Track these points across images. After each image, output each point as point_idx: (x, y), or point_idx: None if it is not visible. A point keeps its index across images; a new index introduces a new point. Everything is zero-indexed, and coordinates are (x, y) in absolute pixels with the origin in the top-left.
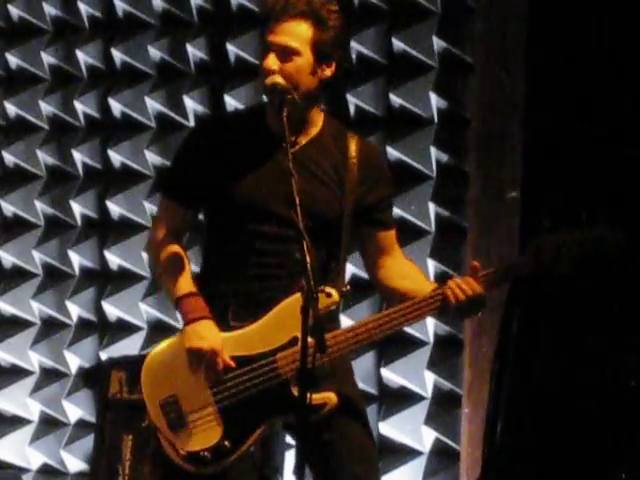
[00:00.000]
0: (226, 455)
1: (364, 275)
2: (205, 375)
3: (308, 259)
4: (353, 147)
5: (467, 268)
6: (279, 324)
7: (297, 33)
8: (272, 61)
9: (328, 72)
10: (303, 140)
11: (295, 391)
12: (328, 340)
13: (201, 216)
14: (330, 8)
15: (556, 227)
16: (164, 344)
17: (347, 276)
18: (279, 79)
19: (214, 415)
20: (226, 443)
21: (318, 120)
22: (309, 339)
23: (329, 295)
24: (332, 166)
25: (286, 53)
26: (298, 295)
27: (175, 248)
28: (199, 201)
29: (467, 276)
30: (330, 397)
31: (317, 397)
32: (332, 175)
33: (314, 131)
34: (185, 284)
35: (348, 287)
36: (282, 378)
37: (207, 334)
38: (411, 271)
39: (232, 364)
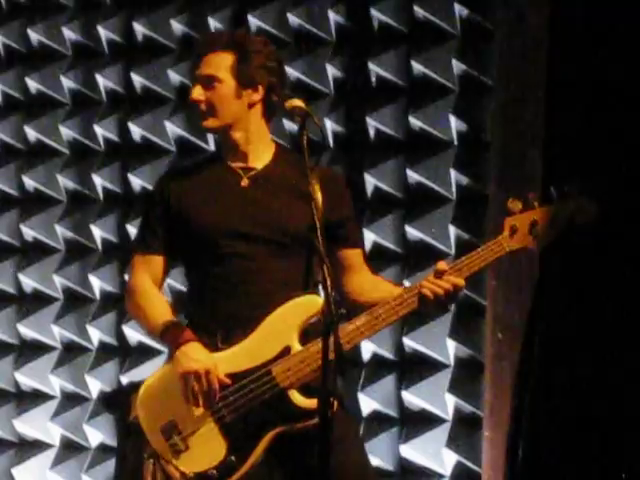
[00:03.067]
0: (234, 470)
1: None
2: (200, 396)
3: (329, 283)
4: (312, 173)
5: (486, 289)
6: (269, 337)
7: (217, 62)
8: (196, 92)
9: (256, 97)
10: (258, 165)
11: (293, 398)
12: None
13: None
14: (253, 39)
15: (528, 205)
16: (156, 373)
17: None
18: (299, 102)
19: (216, 433)
20: (232, 458)
21: (269, 145)
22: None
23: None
24: (295, 186)
25: (209, 82)
26: (285, 306)
27: (152, 289)
28: (165, 245)
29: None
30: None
31: (316, 401)
32: (297, 193)
33: (267, 156)
34: (166, 316)
35: (343, 310)
36: (279, 388)
37: (198, 356)
38: (379, 285)
39: (227, 381)
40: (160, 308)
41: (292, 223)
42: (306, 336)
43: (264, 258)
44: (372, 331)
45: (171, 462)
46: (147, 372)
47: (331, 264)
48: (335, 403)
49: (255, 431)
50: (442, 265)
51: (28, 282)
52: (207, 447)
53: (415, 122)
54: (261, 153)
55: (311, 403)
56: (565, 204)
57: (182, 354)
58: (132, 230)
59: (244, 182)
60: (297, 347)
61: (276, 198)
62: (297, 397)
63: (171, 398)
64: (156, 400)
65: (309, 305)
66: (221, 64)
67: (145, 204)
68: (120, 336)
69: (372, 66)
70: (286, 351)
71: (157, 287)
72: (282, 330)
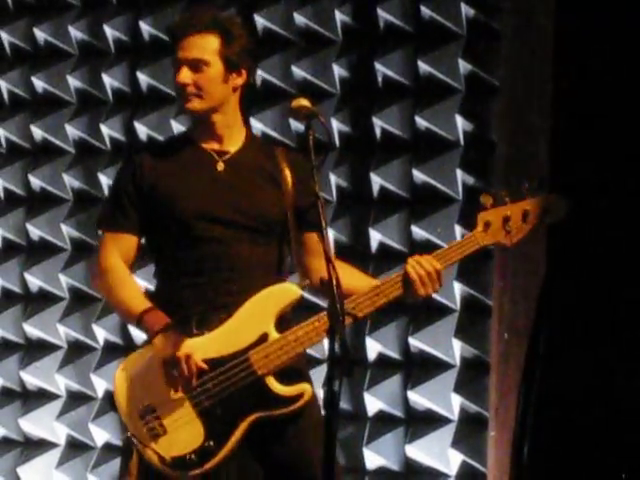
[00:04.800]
0: (212, 455)
1: None
2: (180, 381)
3: (334, 282)
4: (281, 156)
5: (493, 289)
6: (246, 323)
7: (205, 45)
8: (184, 74)
9: (239, 80)
10: (232, 148)
11: (271, 385)
12: (297, 332)
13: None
14: (234, 20)
15: (500, 200)
16: (131, 357)
17: None
18: (305, 102)
19: (194, 418)
20: (210, 443)
21: (241, 130)
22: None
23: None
24: (266, 171)
25: (197, 66)
26: (262, 293)
27: (123, 270)
28: (135, 225)
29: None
30: (306, 389)
31: (293, 389)
32: (268, 178)
33: (240, 140)
34: (141, 301)
35: (307, 281)
36: (257, 375)
37: (177, 341)
38: (344, 270)
39: (205, 367)
40: (135, 292)
41: (266, 209)
42: (281, 324)
43: (239, 243)
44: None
45: (149, 446)
46: None
47: (296, 247)
48: (310, 389)
49: (233, 417)
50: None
51: (34, 281)
52: (185, 432)
53: (421, 122)
54: (235, 137)
55: (288, 390)
56: (536, 201)
57: (161, 340)
58: None
59: (220, 166)
60: (274, 334)
61: (251, 183)
62: (274, 384)
63: (149, 382)
64: (133, 384)
65: (286, 293)
66: (207, 47)
67: (115, 181)
68: (126, 335)
69: (378, 66)
70: (263, 338)
71: (127, 266)
72: (259, 317)
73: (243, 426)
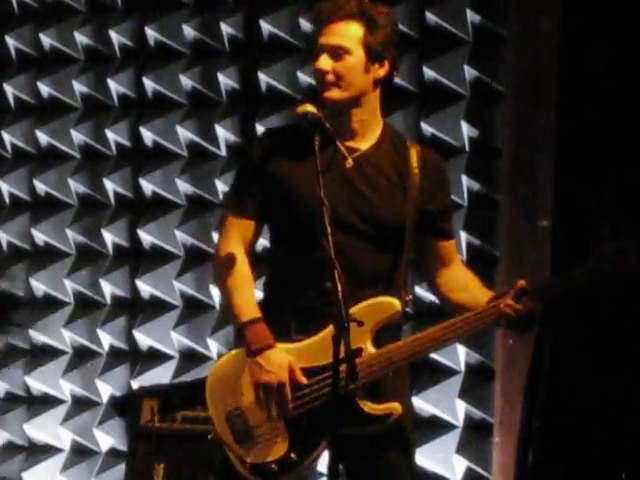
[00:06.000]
0: (292, 467)
1: None
2: (273, 406)
3: (339, 287)
4: (414, 155)
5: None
6: None
7: (347, 33)
8: (324, 61)
9: (381, 72)
10: (363, 146)
11: (360, 402)
12: (393, 351)
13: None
14: (380, 9)
15: (616, 233)
16: (228, 357)
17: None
18: (311, 107)
19: (280, 428)
20: (292, 455)
21: (378, 126)
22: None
23: (390, 304)
24: (394, 173)
25: (338, 53)
26: (360, 306)
27: (242, 266)
28: (259, 211)
29: (513, 296)
30: (395, 407)
31: (382, 407)
32: (394, 181)
33: (374, 137)
34: (249, 309)
35: (410, 297)
36: (346, 390)
37: (273, 367)
38: (468, 282)
39: (304, 381)
40: (247, 297)
41: (384, 215)
42: (379, 338)
43: (353, 250)
44: (443, 343)
45: (233, 449)
46: (157, 377)
47: (423, 255)
48: (399, 407)
49: (318, 431)
50: (521, 283)
51: (39, 286)
52: (270, 441)
53: (427, 128)
54: (370, 134)
55: (376, 409)
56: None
57: (258, 363)
58: (143, 235)
59: (348, 163)
60: (370, 349)
61: (374, 186)
62: (363, 401)
63: (240, 386)
64: (225, 385)
65: (384, 307)
66: (350, 34)
67: (244, 162)
68: (131, 341)
69: None
70: (358, 352)
71: (247, 253)
72: (356, 330)
73: (327, 441)
